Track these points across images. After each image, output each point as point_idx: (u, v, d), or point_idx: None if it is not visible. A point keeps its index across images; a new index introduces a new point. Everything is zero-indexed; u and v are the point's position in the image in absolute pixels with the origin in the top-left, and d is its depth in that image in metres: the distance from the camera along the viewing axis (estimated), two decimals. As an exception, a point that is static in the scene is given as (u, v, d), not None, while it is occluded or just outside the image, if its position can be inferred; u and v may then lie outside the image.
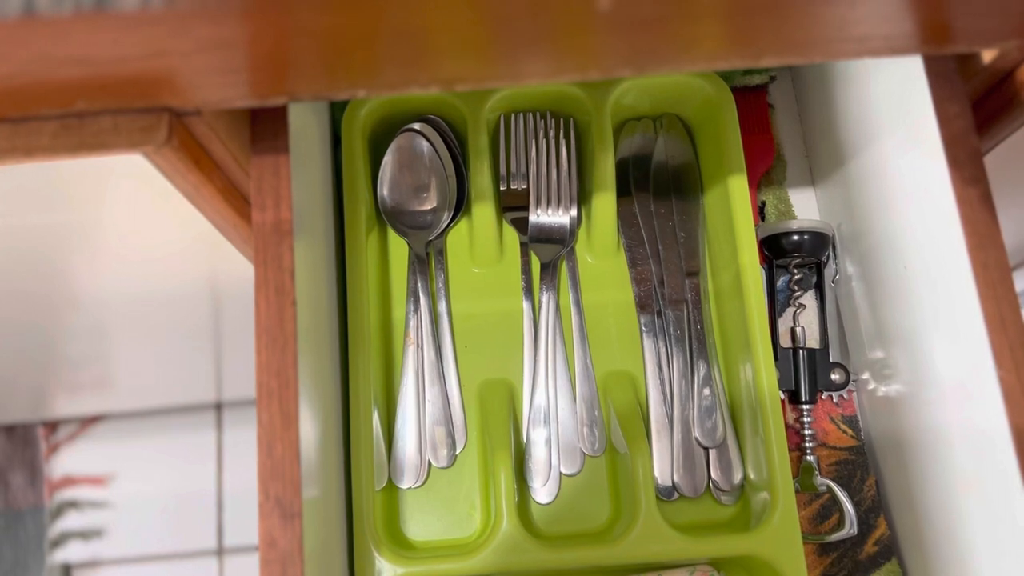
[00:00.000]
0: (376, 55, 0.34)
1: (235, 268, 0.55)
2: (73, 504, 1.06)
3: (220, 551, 1.04)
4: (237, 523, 1.05)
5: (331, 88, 0.36)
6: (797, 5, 0.34)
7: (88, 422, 1.07)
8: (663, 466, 0.49)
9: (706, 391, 0.49)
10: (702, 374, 0.50)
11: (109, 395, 0.99)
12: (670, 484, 0.49)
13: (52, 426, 1.08)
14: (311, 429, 0.39)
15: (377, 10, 0.31)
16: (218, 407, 1.09)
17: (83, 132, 0.36)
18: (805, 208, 0.56)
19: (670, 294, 0.51)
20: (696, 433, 0.49)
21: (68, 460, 1.06)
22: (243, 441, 1.07)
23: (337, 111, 0.52)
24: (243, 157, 0.41)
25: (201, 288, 0.64)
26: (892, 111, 0.44)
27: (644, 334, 0.51)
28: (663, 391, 0.50)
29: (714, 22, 0.35)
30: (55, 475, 1.06)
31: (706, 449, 0.49)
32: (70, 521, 1.05)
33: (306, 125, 0.45)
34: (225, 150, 0.40)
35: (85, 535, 1.04)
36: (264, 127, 0.39)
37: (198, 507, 1.05)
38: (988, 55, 0.39)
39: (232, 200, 0.43)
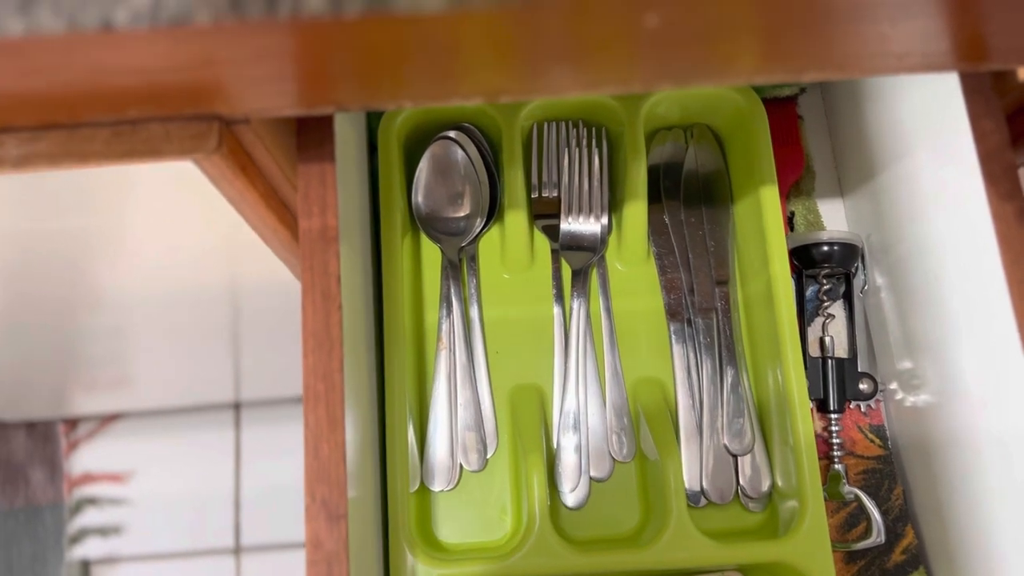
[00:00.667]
0: (423, 68, 0.35)
1: (263, 271, 0.55)
2: (92, 501, 1.06)
3: (237, 550, 1.05)
4: (254, 522, 1.05)
5: (378, 98, 0.37)
6: (840, 23, 0.34)
7: (107, 420, 1.08)
8: (692, 472, 0.49)
9: (735, 398, 0.50)
10: (731, 381, 0.50)
11: (129, 393, 1.00)
12: (699, 490, 0.49)
13: (72, 423, 1.09)
14: (352, 432, 0.40)
15: (423, 25, 0.32)
16: (236, 407, 1.10)
17: (135, 139, 0.36)
18: (834, 219, 0.56)
19: (700, 302, 0.51)
20: (725, 440, 0.49)
21: (87, 457, 1.07)
22: (261, 441, 1.08)
23: (373, 119, 0.53)
24: (286, 164, 0.42)
25: (225, 290, 0.65)
26: (926, 125, 0.44)
27: (674, 341, 0.52)
28: (692, 398, 0.51)
29: (758, 39, 0.36)
30: (74, 472, 1.07)
31: (735, 456, 0.49)
32: (89, 517, 1.05)
33: (345, 132, 0.46)
34: (269, 157, 0.41)
35: (104, 531, 1.05)
36: (310, 136, 0.40)
37: (216, 506, 1.06)
38: (1023, 72, 0.40)
39: (273, 206, 0.44)
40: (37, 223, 0.47)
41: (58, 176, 0.39)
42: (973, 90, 0.40)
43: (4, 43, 0.26)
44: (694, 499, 0.49)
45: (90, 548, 1.04)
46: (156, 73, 0.32)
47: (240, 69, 0.33)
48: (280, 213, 0.45)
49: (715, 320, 0.51)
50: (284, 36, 0.31)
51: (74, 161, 0.36)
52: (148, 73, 0.32)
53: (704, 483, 0.49)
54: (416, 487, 0.49)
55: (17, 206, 0.44)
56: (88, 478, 1.07)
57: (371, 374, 0.48)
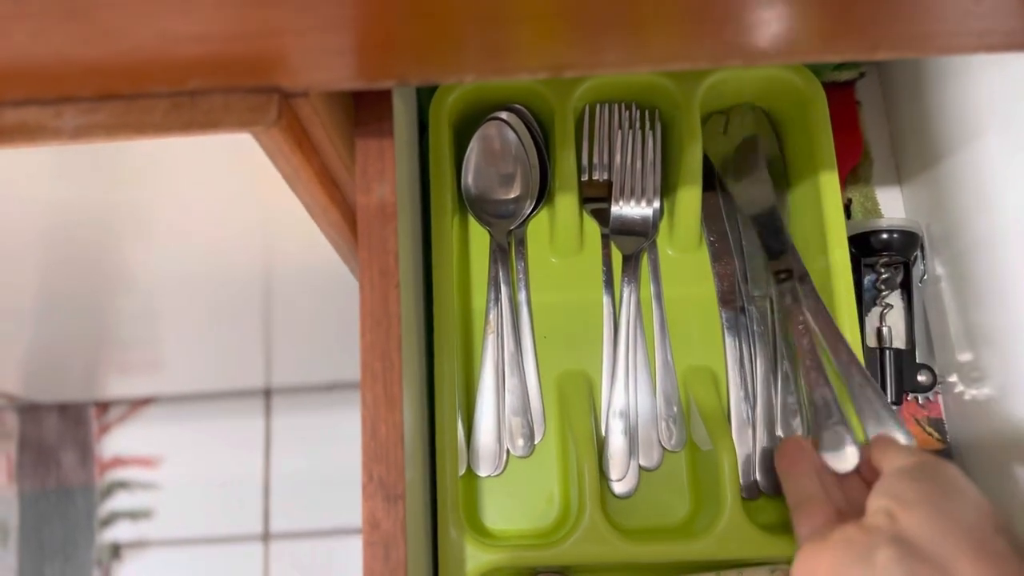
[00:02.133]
0: (490, 40, 0.34)
1: (302, 252, 0.55)
2: (123, 484, 1.07)
3: (266, 536, 1.05)
4: (283, 509, 1.05)
5: (441, 72, 0.36)
6: (920, -3, 0.33)
7: (139, 404, 1.08)
8: (745, 464, 0.48)
9: (791, 390, 0.49)
10: (786, 372, 0.49)
11: (160, 378, 1.01)
12: (752, 482, 0.48)
13: (104, 407, 1.09)
14: (409, 413, 0.39)
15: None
16: (267, 393, 1.10)
17: (194, 110, 0.36)
18: (891, 206, 0.55)
19: (754, 290, 0.50)
20: (780, 431, 0.48)
21: (119, 441, 1.08)
22: (291, 428, 1.08)
23: (423, 97, 0.52)
24: (339, 142, 0.41)
25: (262, 273, 0.64)
26: (999, 110, 0.43)
27: (726, 330, 0.51)
28: (745, 388, 0.50)
29: (830, 13, 0.34)
30: (105, 455, 1.08)
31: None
32: (119, 501, 1.06)
33: (397, 111, 0.45)
34: (324, 133, 0.40)
35: (134, 515, 1.06)
36: (369, 111, 0.39)
37: (245, 492, 1.06)
38: (1108, 53, 0.38)
39: (325, 183, 0.43)
40: (84, 195, 0.46)
41: (103, 148, 0.38)
42: (1053, 72, 0.39)
43: (70, 4, 0.26)
44: (748, 491, 0.48)
45: (120, 531, 1.05)
46: (219, 42, 0.32)
47: (302, 40, 0.32)
48: (331, 191, 0.44)
49: (770, 309, 0.50)
50: (347, 5, 0.31)
51: (132, 132, 0.36)
52: (211, 41, 0.32)
53: (759, 476, 0.48)
54: (463, 472, 0.49)
55: (70, 178, 0.44)
56: (119, 462, 1.07)
57: (421, 357, 0.47)
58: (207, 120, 0.36)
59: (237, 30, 0.31)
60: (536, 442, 0.50)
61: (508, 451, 0.50)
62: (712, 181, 0.53)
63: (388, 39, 0.33)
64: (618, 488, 0.49)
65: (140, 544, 1.05)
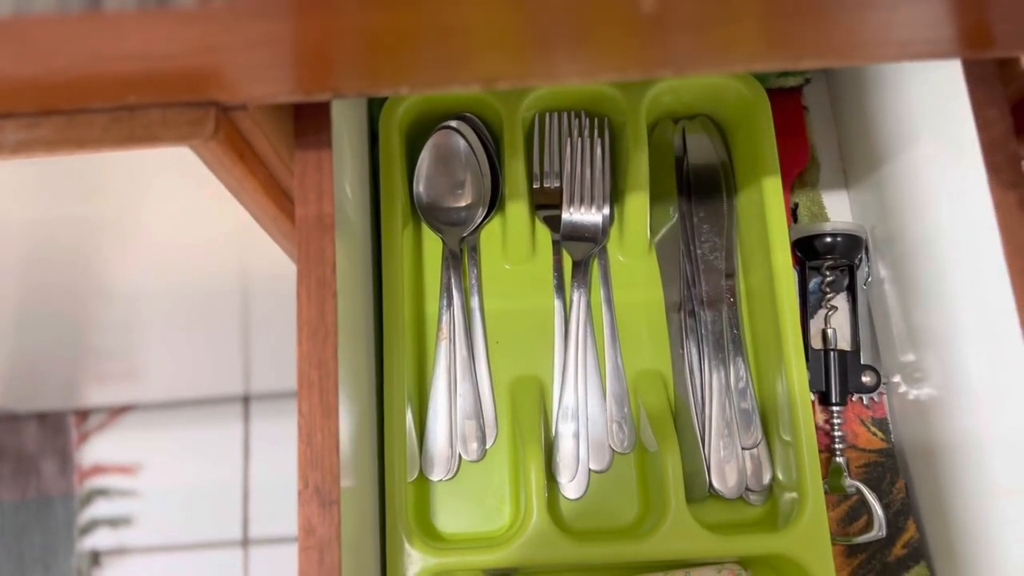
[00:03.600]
0: (420, 53, 0.35)
1: (267, 261, 0.55)
2: (102, 492, 1.07)
3: (245, 542, 1.05)
4: (262, 515, 1.06)
5: (375, 85, 0.37)
6: (838, 9, 0.34)
7: (118, 411, 1.09)
8: (695, 466, 0.49)
9: (742, 392, 0.50)
10: (736, 374, 0.50)
11: (139, 385, 1.01)
12: (705, 484, 0.49)
13: (83, 415, 1.10)
14: (348, 420, 0.40)
15: (421, 8, 0.32)
16: (245, 400, 1.10)
17: (133, 124, 0.37)
18: (838, 210, 0.56)
19: (707, 294, 0.51)
20: (737, 434, 0.49)
21: (98, 449, 1.08)
22: (269, 434, 1.09)
23: (374, 107, 0.53)
24: (285, 152, 0.42)
25: (232, 281, 0.65)
26: (929, 115, 0.44)
27: (675, 334, 0.51)
28: (694, 391, 0.50)
29: (754, 24, 0.35)
30: (85, 463, 1.08)
31: (745, 450, 0.49)
32: (99, 509, 1.06)
33: (345, 121, 0.46)
34: (268, 144, 0.41)
35: (114, 523, 1.06)
36: (307, 123, 0.40)
37: (224, 498, 1.06)
38: (1029, 60, 0.39)
39: (273, 194, 0.44)
40: (45, 212, 0.47)
41: (68, 165, 0.39)
42: (977, 78, 0.40)
43: (2, 25, 0.26)
44: (699, 493, 0.49)
45: (100, 539, 1.05)
46: (152, 59, 0.33)
47: (236, 55, 0.33)
48: (280, 201, 0.45)
49: (722, 313, 0.51)
50: (280, 21, 0.31)
51: (72, 147, 0.37)
52: (145, 59, 0.32)
53: (712, 478, 0.49)
54: (415, 476, 0.49)
55: (27, 195, 0.44)
56: (98, 469, 1.08)
57: (370, 364, 0.48)
58: (146, 134, 0.36)
59: (170, 49, 0.32)
60: (488, 446, 0.51)
61: (460, 455, 0.51)
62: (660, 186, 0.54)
63: (317, 54, 0.34)
64: (569, 491, 0.50)
65: (120, 551, 1.05)
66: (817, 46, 0.37)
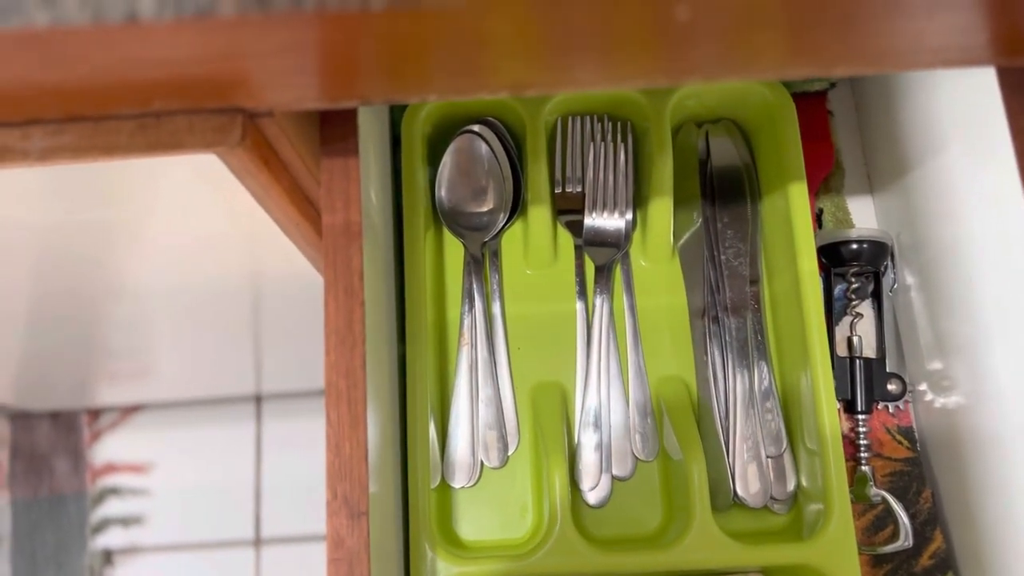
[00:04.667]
0: (448, 61, 0.35)
1: (283, 264, 0.55)
2: (114, 491, 1.07)
3: (257, 542, 1.05)
4: (274, 515, 1.06)
5: (403, 92, 0.37)
6: (874, 17, 0.33)
7: (130, 411, 1.09)
8: (719, 473, 0.49)
9: (766, 398, 0.49)
10: (761, 381, 0.49)
11: (151, 385, 1.01)
12: (725, 491, 0.49)
13: (95, 414, 1.10)
14: (374, 428, 0.40)
15: (451, 17, 0.31)
16: (257, 400, 1.10)
17: (159, 131, 0.36)
18: (863, 216, 0.55)
19: (732, 301, 0.51)
20: (762, 441, 0.49)
21: (110, 447, 1.08)
22: (281, 433, 1.09)
23: (396, 112, 0.52)
24: (309, 158, 0.42)
25: (247, 283, 0.65)
26: (961, 121, 0.43)
27: (698, 340, 0.51)
28: (718, 398, 0.50)
29: (787, 32, 0.35)
30: (97, 462, 1.08)
31: (770, 458, 0.49)
32: (111, 507, 1.06)
33: (368, 126, 0.46)
34: (293, 151, 0.41)
35: (125, 521, 1.06)
36: (334, 130, 0.39)
37: (236, 498, 1.06)
38: (1064, 67, 0.39)
39: (296, 200, 0.44)
40: (64, 216, 0.47)
41: (85, 168, 0.39)
42: (1011, 86, 0.39)
43: (28, 34, 0.26)
44: (723, 501, 0.48)
45: (112, 538, 1.05)
46: (181, 65, 0.32)
47: (264, 62, 0.33)
48: (303, 208, 0.45)
49: (747, 319, 0.50)
50: (309, 29, 0.31)
51: (99, 154, 0.36)
52: (173, 65, 0.32)
53: (737, 486, 0.48)
54: (437, 483, 0.49)
55: (43, 199, 0.44)
56: (110, 468, 1.08)
57: (393, 370, 0.48)
58: (172, 141, 0.36)
59: (196, 55, 0.31)
60: (510, 453, 0.51)
61: (482, 462, 0.50)
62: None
63: (347, 62, 0.34)
64: (591, 498, 0.50)
65: (132, 550, 1.05)
66: (850, 54, 0.36)
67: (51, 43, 0.27)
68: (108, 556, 1.06)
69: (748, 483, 0.48)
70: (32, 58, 0.30)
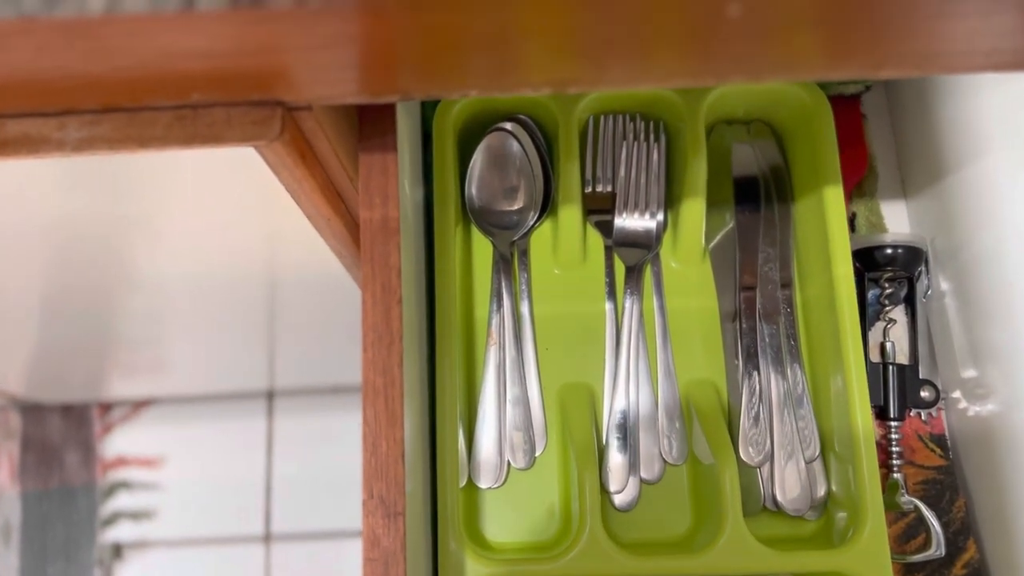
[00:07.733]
0: (495, 56, 0.34)
1: (306, 259, 0.55)
2: (125, 484, 1.07)
3: (267, 537, 1.05)
4: (284, 511, 1.06)
5: (445, 87, 0.36)
6: (928, 17, 0.33)
7: (141, 404, 1.09)
8: (751, 478, 0.48)
9: (801, 404, 0.49)
10: (792, 386, 0.49)
11: (164, 379, 1.01)
12: (756, 498, 0.48)
13: (106, 407, 1.09)
14: (409, 427, 0.39)
15: (495, 10, 0.31)
16: (269, 395, 1.10)
17: (197, 124, 0.36)
18: (896, 221, 0.54)
19: (763, 304, 0.50)
20: (797, 447, 0.48)
21: (121, 441, 1.08)
22: (293, 430, 1.08)
23: (427, 108, 0.52)
24: (343, 153, 0.41)
25: (266, 278, 0.64)
26: (1006, 126, 0.43)
27: (730, 343, 0.50)
28: (750, 401, 0.49)
29: (838, 31, 0.34)
30: (108, 455, 1.08)
31: (807, 464, 0.48)
32: (121, 501, 1.06)
33: (402, 122, 0.45)
34: (328, 145, 0.40)
35: (135, 515, 1.06)
36: (372, 125, 0.39)
37: (247, 493, 1.06)
38: (1116, 72, 0.38)
39: (329, 195, 0.43)
40: (86, 206, 0.47)
41: (108, 158, 0.38)
42: (1060, 90, 0.39)
43: (80, 21, 0.26)
44: (753, 507, 0.48)
45: (122, 531, 1.05)
46: (223, 57, 0.32)
47: (307, 55, 0.32)
48: (335, 203, 0.44)
49: (780, 323, 0.50)
50: (353, 22, 0.30)
51: (134, 145, 0.36)
52: (214, 57, 0.32)
53: (776, 492, 0.48)
54: (464, 483, 0.48)
55: (64, 190, 0.44)
56: (121, 462, 1.08)
57: (423, 368, 0.47)
58: (210, 134, 0.36)
59: (239, 46, 0.31)
60: (537, 454, 0.50)
61: (509, 463, 0.50)
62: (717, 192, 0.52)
63: (391, 56, 0.33)
64: (618, 501, 0.49)
65: (142, 544, 1.05)
66: (900, 55, 0.36)
67: (102, 31, 0.27)
68: (118, 550, 1.06)
69: (786, 489, 0.47)
70: (76, 48, 0.29)
